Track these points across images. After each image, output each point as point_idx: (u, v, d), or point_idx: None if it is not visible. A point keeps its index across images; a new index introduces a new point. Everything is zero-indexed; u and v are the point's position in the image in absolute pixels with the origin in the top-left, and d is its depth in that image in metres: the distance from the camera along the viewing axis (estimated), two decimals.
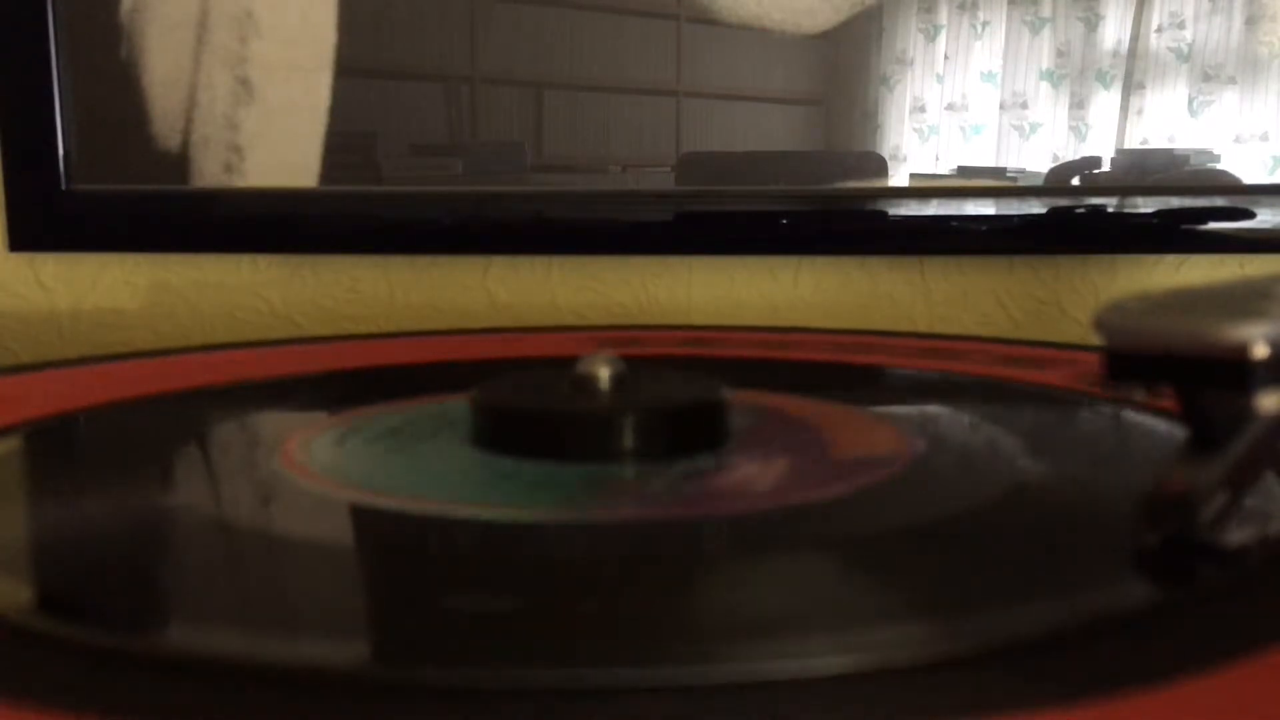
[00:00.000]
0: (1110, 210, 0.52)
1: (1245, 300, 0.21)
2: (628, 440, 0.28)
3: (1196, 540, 0.21)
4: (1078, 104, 0.52)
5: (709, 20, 0.53)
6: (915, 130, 0.53)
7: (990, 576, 0.22)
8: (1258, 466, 0.21)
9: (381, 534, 0.25)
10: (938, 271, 0.55)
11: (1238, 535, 0.21)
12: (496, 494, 0.27)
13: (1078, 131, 0.52)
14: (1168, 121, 0.52)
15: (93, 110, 0.54)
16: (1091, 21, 0.52)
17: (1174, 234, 0.52)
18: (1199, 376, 0.20)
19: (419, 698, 0.16)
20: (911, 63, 0.53)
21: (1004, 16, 0.52)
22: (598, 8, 0.53)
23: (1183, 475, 0.21)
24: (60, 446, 0.34)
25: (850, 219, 0.54)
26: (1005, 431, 0.33)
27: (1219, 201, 0.52)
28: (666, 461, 0.28)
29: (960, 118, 0.53)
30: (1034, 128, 0.53)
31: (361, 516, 0.26)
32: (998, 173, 0.53)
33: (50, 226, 0.55)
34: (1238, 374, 0.20)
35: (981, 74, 0.53)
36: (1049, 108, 0.52)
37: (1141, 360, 0.21)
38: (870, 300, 0.55)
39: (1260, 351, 0.19)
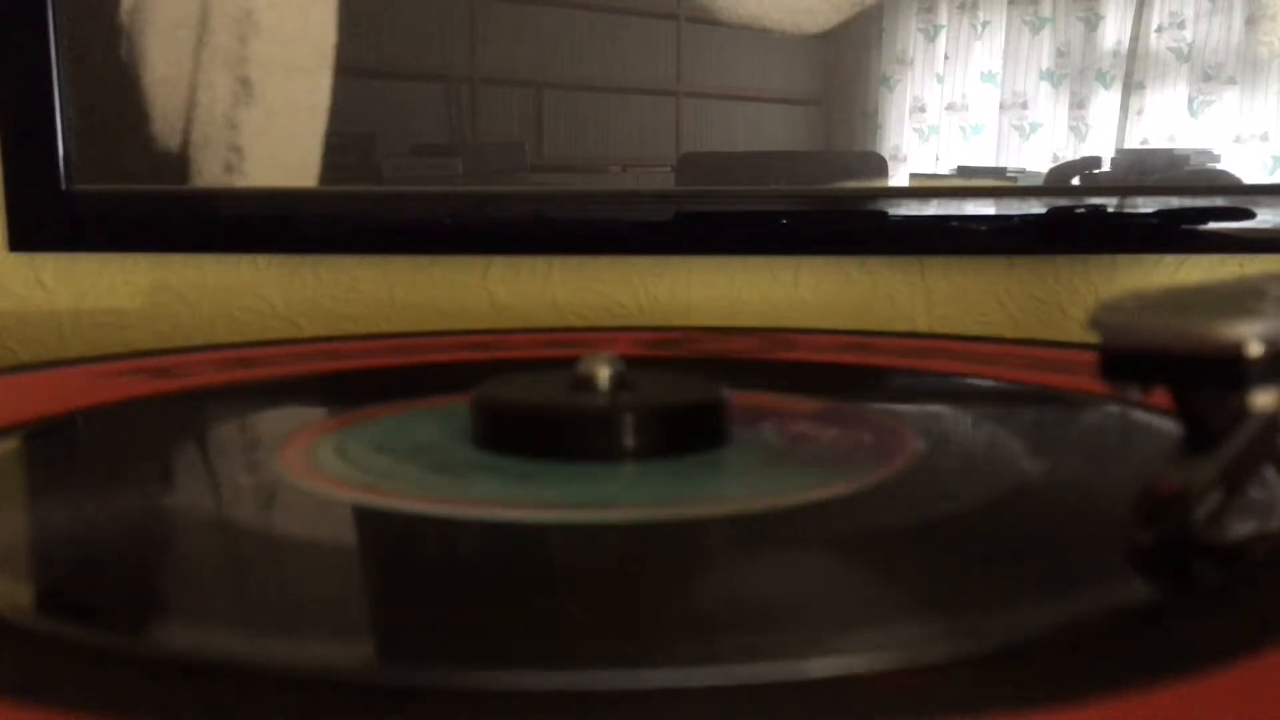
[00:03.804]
0: (1110, 210, 0.52)
1: (1239, 299, 0.21)
2: (628, 440, 0.28)
3: (1192, 539, 0.21)
4: (1078, 104, 0.52)
5: (709, 20, 0.53)
6: (915, 130, 0.53)
7: (991, 576, 0.22)
8: (1253, 465, 0.21)
9: (382, 534, 0.25)
10: (938, 271, 0.55)
11: (1234, 533, 0.21)
12: (496, 494, 0.27)
13: (1078, 131, 0.52)
14: (1168, 121, 0.52)
15: (93, 110, 0.54)
16: (1091, 21, 0.52)
17: (1174, 234, 0.52)
18: (1193, 375, 0.20)
19: (419, 698, 0.16)
20: (911, 63, 0.53)
21: (1004, 16, 0.52)
22: (598, 8, 0.53)
23: (1178, 474, 0.21)
24: (60, 446, 0.34)
25: (850, 219, 0.54)
26: (1005, 431, 0.33)
27: (1219, 201, 0.52)
28: (667, 461, 0.28)
29: (960, 118, 0.53)
30: (1034, 128, 0.53)
31: (361, 517, 0.26)
32: (998, 173, 0.53)
33: (50, 226, 0.55)
34: (1232, 372, 0.20)
35: (981, 74, 0.53)
36: (1049, 108, 0.52)
37: (1136, 359, 0.21)
38: (870, 300, 0.55)
39: (1254, 350, 0.19)
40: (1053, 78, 0.52)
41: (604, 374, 0.29)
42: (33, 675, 0.17)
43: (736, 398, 0.31)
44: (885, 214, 0.53)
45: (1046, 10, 0.52)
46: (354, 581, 0.23)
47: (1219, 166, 0.52)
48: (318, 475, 0.28)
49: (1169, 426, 0.30)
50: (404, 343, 0.48)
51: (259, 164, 0.54)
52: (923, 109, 0.53)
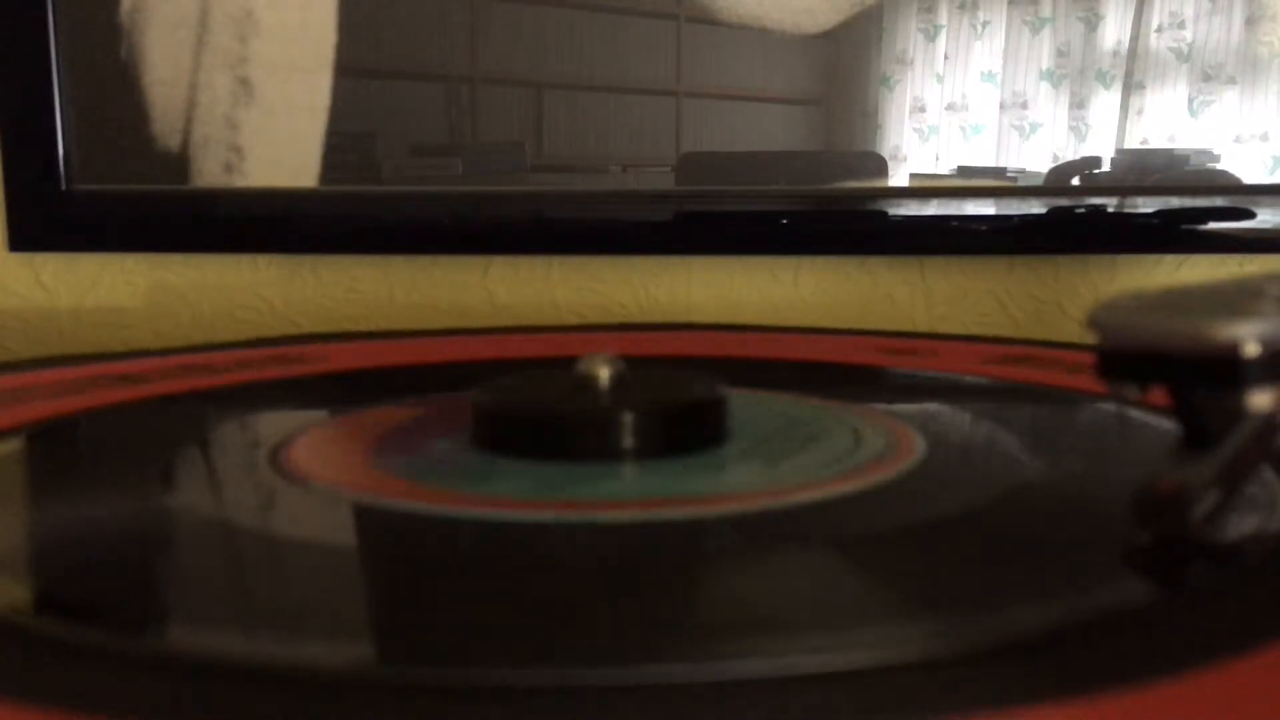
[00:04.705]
0: (1110, 210, 0.52)
1: (1237, 299, 0.21)
2: (628, 440, 0.28)
3: (1190, 539, 0.21)
4: (1078, 104, 0.52)
5: (709, 20, 0.53)
6: (915, 130, 0.53)
7: (990, 576, 0.22)
8: (1250, 464, 0.21)
9: (381, 534, 0.25)
10: (938, 271, 0.55)
11: (1232, 533, 0.21)
12: (495, 493, 0.27)
13: (1078, 131, 0.52)
14: (1168, 121, 0.52)
15: (93, 110, 0.54)
16: (1091, 21, 0.52)
17: (1174, 234, 0.52)
18: (1191, 375, 0.20)
19: (418, 698, 0.16)
20: (911, 63, 0.53)
21: (1004, 16, 0.52)
22: (598, 8, 0.53)
23: (1176, 474, 0.21)
24: (60, 446, 0.34)
25: (850, 219, 0.54)
26: (1004, 431, 0.33)
27: (1219, 201, 0.52)
28: (667, 460, 0.28)
29: (960, 118, 0.53)
30: (1034, 128, 0.53)
31: (361, 517, 0.26)
32: (998, 173, 0.53)
33: (50, 226, 0.55)
34: (1229, 372, 0.20)
35: (981, 74, 0.53)
36: (1049, 108, 0.52)
37: (1134, 359, 0.21)
38: (870, 300, 0.55)
39: (1251, 350, 0.19)
40: (1053, 78, 0.52)
41: (604, 374, 0.29)
42: (32, 675, 0.17)
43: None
44: (885, 214, 0.53)
45: (1046, 10, 0.52)
46: (353, 581, 0.23)
47: (1219, 166, 0.52)
48: (317, 475, 0.28)
49: (1167, 426, 0.30)
50: (404, 343, 0.48)
51: (259, 164, 0.54)
52: (923, 109, 0.53)
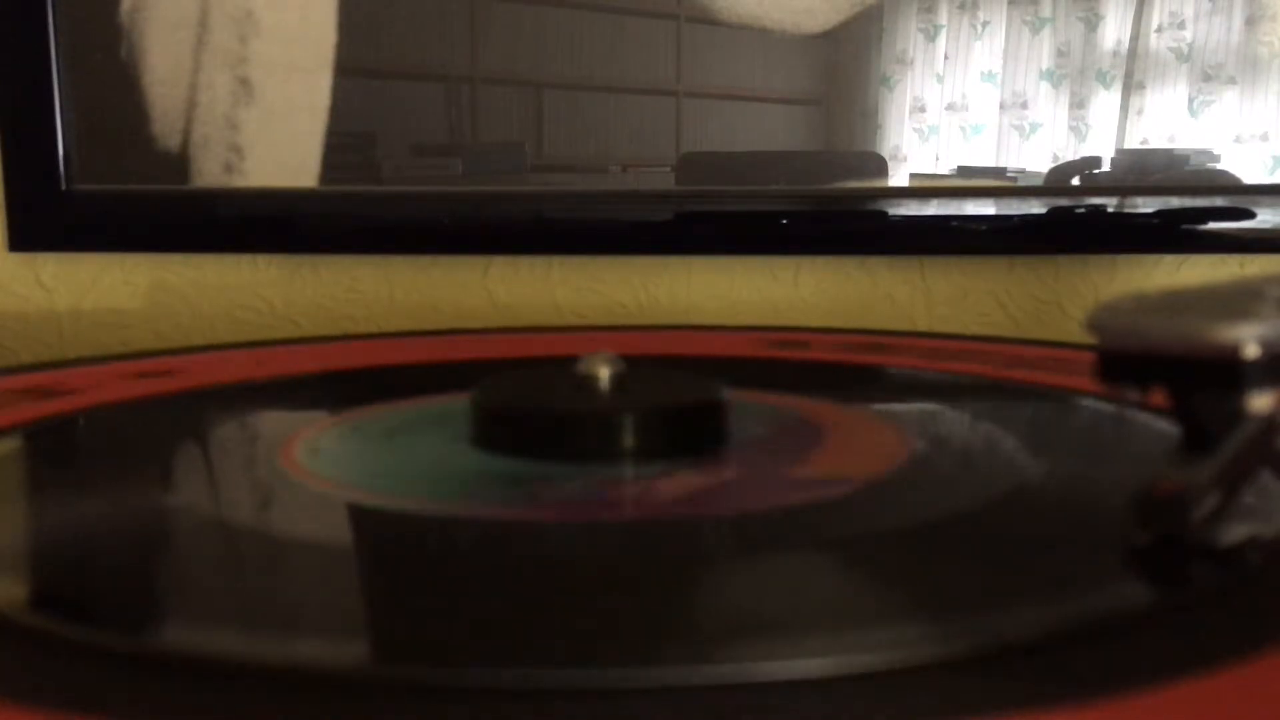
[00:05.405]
0: (1110, 210, 0.52)
1: (1237, 301, 0.21)
2: (628, 440, 0.28)
3: (1190, 540, 0.21)
4: (1078, 104, 0.52)
5: (709, 20, 0.53)
6: (915, 130, 0.53)
7: (990, 576, 0.22)
8: (1250, 466, 0.21)
9: (381, 534, 0.25)
10: (938, 271, 0.55)
11: (1231, 535, 0.21)
12: (496, 494, 0.27)
13: (1078, 131, 0.52)
14: (1168, 121, 0.52)
15: (93, 110, 0.54)
16: (1091, 21, 0.52)
17: (1174, 234, 0.52)
18: (1191, 377, 0.20)
19: (418, 698, 0.16)
20: (911, 63, 0.53)
21: (1004, 16, 0.52)
22: (598, 8, 0.53)
23: (1175, 476, 0.21)
24: (60, 446, 0.34)
25: (850, 219, 0.54)
26: (1003, 431, 0.33)
27: (1219, 201, 0.52)
28: (667, 461, 0.28)
29: (960, 118, 0.53)
30: (1034, 128, 0.53)
31: (361, 517, 0.26)
32: (998, 173, 0.53)
33: (50, 226, 0.55)
34: (1229, 374, 0.20)
35: (981, 74, 0.53)
36: (1049, 108, 0.52)
37: (1134, 360, 0.21)
38: (870, 300, 0.55)
39: (1251, 352, 0.19)
40: (1053, 78, 0.52)
41: (604, 374, 0.29)
42: (31, 675, 0.17)
43: (738, 398, 0.31)
44: (885, 214, 0.53)
45: (1046, 10, 0.52)
46: (352, 581, 0.23)
47: (1219, 166, 0.52)
48: (317, 475, 0.28)
49: (1167, 428, 0.30)
50: (404, 342, 0.48)
51: (259, 164, 0.54)
52: (923, 109, 0.53)
